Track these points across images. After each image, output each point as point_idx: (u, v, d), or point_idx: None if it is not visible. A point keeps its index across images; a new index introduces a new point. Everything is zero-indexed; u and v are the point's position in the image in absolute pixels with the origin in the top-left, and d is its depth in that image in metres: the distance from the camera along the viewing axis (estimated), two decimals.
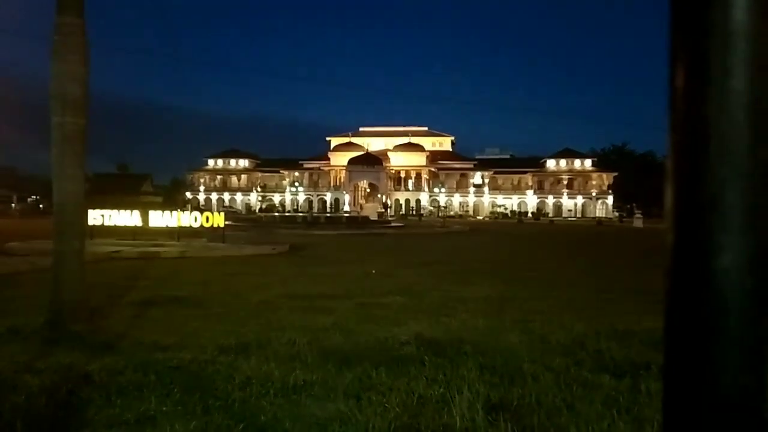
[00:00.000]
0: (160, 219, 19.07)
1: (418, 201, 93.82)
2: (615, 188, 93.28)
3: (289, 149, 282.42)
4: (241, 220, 40.82)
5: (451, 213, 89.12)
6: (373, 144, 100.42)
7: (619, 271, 12.44)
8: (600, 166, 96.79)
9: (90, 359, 4.71)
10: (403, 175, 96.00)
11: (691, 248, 0.45)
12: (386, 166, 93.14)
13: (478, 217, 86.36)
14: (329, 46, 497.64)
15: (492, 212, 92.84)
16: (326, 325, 6.21)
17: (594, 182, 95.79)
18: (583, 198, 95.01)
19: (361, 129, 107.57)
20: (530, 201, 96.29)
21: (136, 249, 15.87)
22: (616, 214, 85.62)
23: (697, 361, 0.45)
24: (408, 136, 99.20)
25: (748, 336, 0.44)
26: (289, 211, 70.95)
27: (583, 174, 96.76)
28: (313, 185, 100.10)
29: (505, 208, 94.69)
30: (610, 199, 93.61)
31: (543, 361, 4.77)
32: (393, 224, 45.60)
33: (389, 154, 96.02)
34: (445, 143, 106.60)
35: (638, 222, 51.93)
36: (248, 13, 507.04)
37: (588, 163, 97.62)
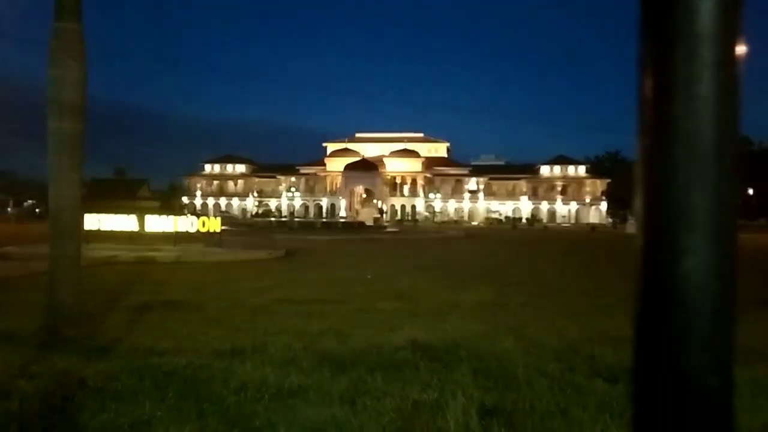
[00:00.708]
0: (156, 224, 19.02)
1: (413, 207, 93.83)
2: (608, 195, 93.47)
3: (286, 155, 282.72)
4: (237, 225, 40.75)
5: (446, 219, 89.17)
6: (369, 150, 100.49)
7: (613, 277, 12.48)
8: (594, 172, 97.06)
9: (85, 364, 4.71)
10: (398, 180, 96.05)
11: (659, 251, 0.46)
12: (382, 172, 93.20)
13: (473, 223, 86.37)
14: (326, 52, 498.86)
15: (487, 218, 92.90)
16: (321, 329, 6.22)
17: (588, 189, 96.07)
18: (577, 204, 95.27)
19: (357, 135, 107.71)
20: (524, 207, 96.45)
21: (132, 254, 15.82)
22: (610, 220, 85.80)
23: (664, 362, 0.45)
24: (404, 142, 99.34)
25: (713, 337, 0.45)
26: (285, 217, 70.79)
27: (577, 180, 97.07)
28: (310, 191, 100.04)
29: (500, 214, 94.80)
30: (603, 206, 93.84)
31: (537, 366, 4.79)
32: (389, 230, 45.64)
33: (385, 159, 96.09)
34: (440, 149, 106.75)
35: (631, 228, 51.82)
36: (245, 20, 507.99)
37: (582, 169, 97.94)
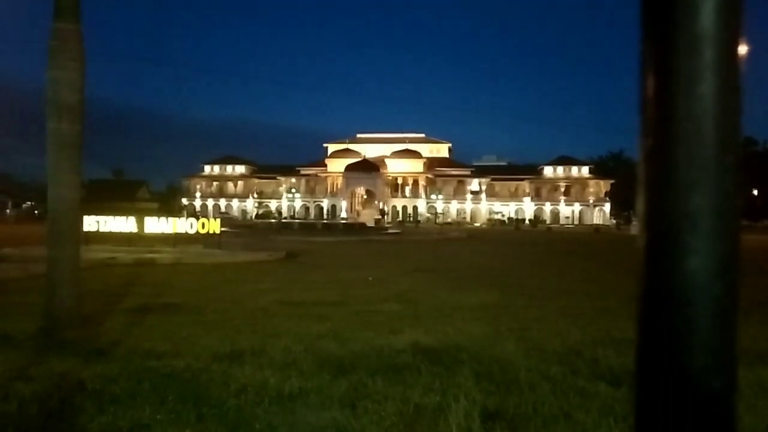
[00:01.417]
0: (155, 225, 19.02)
1: (415, 208, 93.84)
2: (612, 195, 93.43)
3: (286, 156, 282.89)
4: (237, 227, 40.77)
5: (449, 220, 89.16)
6: (370, 150, 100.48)
7: (616, 279, 12.44)
8: (597, 173, 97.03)
9: (83, 366, 4.68)
10: (400, 181, 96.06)
11: (661, 251, 0.46)
12: (383, 173, 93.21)
13: (475, 224, 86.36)
14: (327, 52, 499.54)
15: (489, 219, 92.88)
16: (322, 332, 6.19)
17: (591, 189, 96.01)
18: (581, 205, 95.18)
19: (358, 135, 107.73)
20: (527, 208, 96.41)
21: (131, 255, 15.82)
22: (614, 221, 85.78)
23: (667, 363, 0.45)
24: (405, 142, 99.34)
25: (716, 338, 0.45)
26: (285, 218, 70.86)
27: (580, 181, 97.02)
28: (310, 192, 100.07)
29: (503, 215, 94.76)
30: (607, 207, 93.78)
31: (539, 370, 4.75)
32: (390, 231, 45.62)
33: (386, 160, 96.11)
34: (442, 150, 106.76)
35: (635, 229, 51.87)
36: (245, 20, 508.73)
37: (585, 170, 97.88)
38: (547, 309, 8.14)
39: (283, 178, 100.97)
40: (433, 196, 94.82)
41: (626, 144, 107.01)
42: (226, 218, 40.90)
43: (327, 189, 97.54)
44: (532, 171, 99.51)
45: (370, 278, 11.98)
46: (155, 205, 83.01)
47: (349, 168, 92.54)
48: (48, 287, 6.24)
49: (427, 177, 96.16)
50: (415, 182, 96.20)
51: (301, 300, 8.72)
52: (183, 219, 19.97)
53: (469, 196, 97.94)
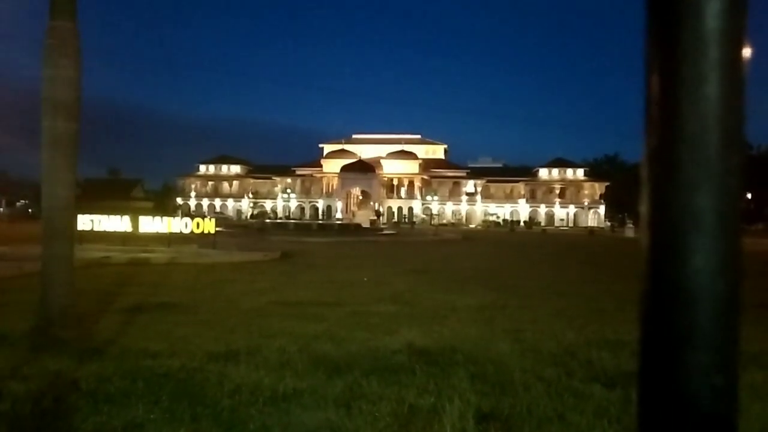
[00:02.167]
0: (150, 225, 18.96)
1: (410, 209, 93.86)
2: (607, 198, 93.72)
3: (282, 156, 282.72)
4: (232, 227, 40.67)
5: (444, 221, 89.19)
6: (366, 151, 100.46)
7: (610, 281, 12.48)
8: (592, 175, 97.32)
9: (78, 366, 4.66)
10: (395, 182, 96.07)
11: (664, 250, 0.46)
12: (379, 174, 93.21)
13: (470, 226, 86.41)
14: (322, 52, 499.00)
15: (484, 221, 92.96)
16: (317, 332, 6.18)
17: (586, 192, 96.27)
18: (575, 207, 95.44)
19: (354, 136, 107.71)
20: (522, 210, 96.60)
21: (126, 255, 15.75)
22: (608, 223, 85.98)
23: (669, 362, 0.46)
24: (401, 143, 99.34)
25: (718, 337, 0.46)
26: (280, 218, 70.73)
27: (575, 183, 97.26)
28: (306, 192, 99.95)
29: (498, 217, 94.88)
30: (602, 209, 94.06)
31: (534, 371, 4.77)
32: (385, 232, 45.58)
33: (382, 161, 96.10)
34: (438, 151, 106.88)
35: (630, 232, 52.28)
36: (240, 19, 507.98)
37: (580, 172, 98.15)
38: (542, 310, 8.16)
39: (278, 178, 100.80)
40: (429, 198, 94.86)
41: (621, 147, 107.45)
42: (221, 218, 40.85)
43: (322, 189, 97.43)
44: (528, 173, 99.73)
45: (365, 279, 11.98)
46: (150, 205, 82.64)
47: (345, 168, 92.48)
48: (42, 286, 6.20)
49: (422, 178, 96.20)
50: (411, 183, 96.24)
51: (297, 300, 8.70)
52: (178, 218, 19.90)
53: (464, 197, 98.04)
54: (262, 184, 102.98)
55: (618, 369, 4.78)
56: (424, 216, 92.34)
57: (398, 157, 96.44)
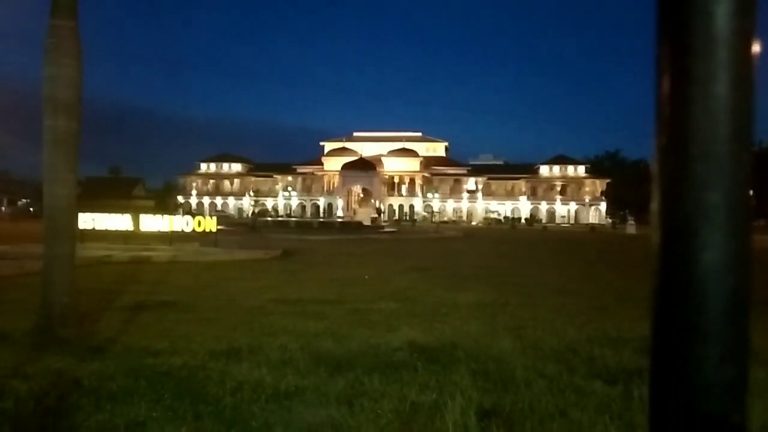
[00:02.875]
0: (151, 223, 18.98)
1: (411, 206, 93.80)
2: (608, 195, 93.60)
3: (283, 154, 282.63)
4: (233, 225, 40.68)
5: (445, 219, 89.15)
6: (367, 149, 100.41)
7: (612, 278, 12.48)
8: (593, 172, 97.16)
9: (80, 364, 4.67)
10: (396, 180, 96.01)
11: (676, 247, 0.47)
12: (380, 171, 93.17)
13: (471, 223, 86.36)
14: (323, 50, 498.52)
15: (485, 218, 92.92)
16: (318, 330, 6.19)
17: (587, 189, 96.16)
18: (577, 204, 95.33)
19: (354, 134, 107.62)
20: (523, 207, 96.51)
21: (127, 253, 15.77)
22: (610, 220, 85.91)
23: (681, 357, 0.47)
24: (402, 141, 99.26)
25: (729, 332, 0.47)
26: (281, 216, 70.74)
27: (577, 180, 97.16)
28: (307, 190, 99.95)
29: (499, 214, 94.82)
30: (603, 206, 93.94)
31: (536, 368, 4.77)
32: (386, 229, 45.58)
33: (383, 159, 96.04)
34: (438, 149, 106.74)
35: (631, 228, 52.21)
36: (241, 17, 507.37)
37: (581, 169, 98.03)
38: (544, 307, 8.16)
39: (279, 177, 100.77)
40: (430, 195, 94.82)
41: (622, 144, 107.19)
42: (222, 216, 40.86)
43: (323, 187, 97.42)
44: (529, 170, 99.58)
45: (366, 276, 11.99)
46: (151, 203, 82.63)
47: (346, 166, 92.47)
48: (44, 285, 6.21)
49: (423, 176, 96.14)
50: (412, 181, 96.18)
51: (298, 298, 8.71)
52: (179, 217, 19.92)
53: (465, 195, 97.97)
54: (263, 182, 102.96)
55: (620, 366, 4.78)
56: (425, 214, 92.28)
57: (399, 155, 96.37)
